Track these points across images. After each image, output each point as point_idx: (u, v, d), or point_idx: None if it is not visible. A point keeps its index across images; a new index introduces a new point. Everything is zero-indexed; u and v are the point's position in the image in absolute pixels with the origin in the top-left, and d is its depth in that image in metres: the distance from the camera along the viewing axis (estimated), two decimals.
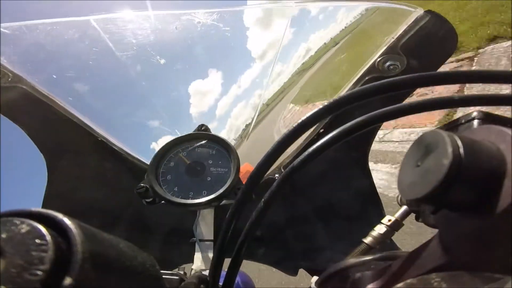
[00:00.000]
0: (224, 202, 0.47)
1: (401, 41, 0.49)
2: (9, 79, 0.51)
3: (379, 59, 0.50)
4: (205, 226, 0.47)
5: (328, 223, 0.57)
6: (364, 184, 0.55)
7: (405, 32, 0.48)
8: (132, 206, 0.58)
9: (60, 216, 0.14)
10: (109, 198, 0.59)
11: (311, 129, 0.56)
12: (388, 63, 0.49)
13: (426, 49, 0.49)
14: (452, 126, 0.22)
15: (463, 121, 0.21)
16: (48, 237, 0.12)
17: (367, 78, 0.51)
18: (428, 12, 0.46)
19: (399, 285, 0.18)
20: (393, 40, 0.49)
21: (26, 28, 0.54)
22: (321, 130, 0.53)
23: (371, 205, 0.54)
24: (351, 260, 0.26)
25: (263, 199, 0.22)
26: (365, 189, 0.55)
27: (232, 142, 0.52)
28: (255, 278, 0.90)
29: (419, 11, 0.47)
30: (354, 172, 0.56)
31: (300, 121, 0.22)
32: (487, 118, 0.20)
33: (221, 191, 0.45)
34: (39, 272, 0.11)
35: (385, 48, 0.50)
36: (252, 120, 0.66)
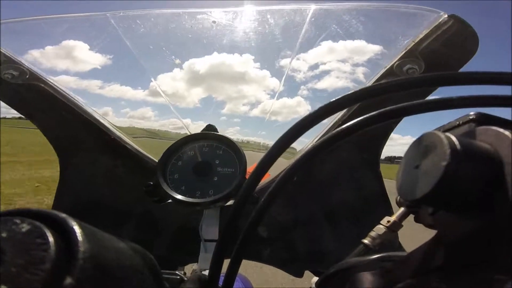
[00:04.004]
0: (230, 202, 0.47)
1: (421, 45, 0.48)
2: (27, 77, 0.52)
3: (397, 63, 0.49)
4: (211, 226, 0.47)
5: (335, 224, 0.57)
6: (374, 186, 0.55)
7: (426, 36, 0.48)
8: (142, 204, 0.58)
9: (61, 215, 0.14)
10: (119, 196, 0.59)
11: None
12: (406, 67, 0.49)
13: (446, 53, 0.48)
14: (450, 127, 0.22)
15: (461, 122, 0.21)
16: (49, 237, 0.12)
17: (383, 81, 0.51)
18: (451, 16, 0.46)
19: (399, 285, 0.18)
20: (413, 43, 0.48)
21: (45, 24, 0.54)
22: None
23: (380, 207, 0.54)
24: (351, 261, 0.26)
25: (262, 199, 0.22)
26: (375, 190, 0.55)
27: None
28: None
29: (443, 15, 0.46)
30: (364, 173, 0.56)
31: (300, 120, 0.22)
32: (485, 120, 0.20)
33: (227, 191, 0.45)
34: (39, 272, 0.11)
35: (404, 52, 0.49)
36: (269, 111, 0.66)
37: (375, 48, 0.57)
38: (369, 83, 0.54)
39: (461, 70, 0.49)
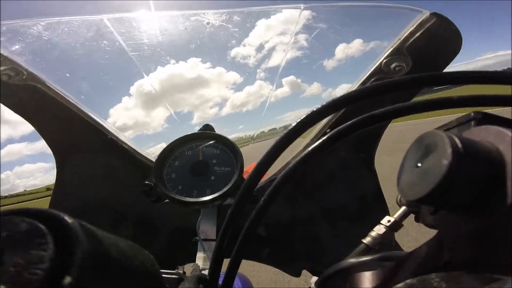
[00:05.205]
0: (227, 201, 0.47)
1: (407, 43, 0.49)
2: (24, 77, 0.51)
3: (384, 61, 0.50)
4: (208, 225, 0.47)
5: (332, 224, 0.57)
6: (370, 185, 0.56)
7: (411, 33, 0.48)
8: (139, 204, 0.58)
9: (60, 214, 0.13)
10: (117, 196, 0.60)
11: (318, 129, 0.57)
12: (394, 65, 0.49)
13: (431, 51, 0.49)
14: (451, 126, 0.22)
15: (462, 121, 0.21)
16: (48, 236, 0.12)
17: (372, 79, 0.51)
18: (434, 14, 0.47)
19: (399, 285, 0.18)
20: (399, 41, 0.49)
21: (41, 26, 0.54)
22: (328, 130, 0.53)
23: (377, 205, 0.55)
24: (351, 261, 0.26)
25: (262, 199, 0.22)
26: (370, 190, 0.56)
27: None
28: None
29: (426, 13, 0.47)
30: (361, 173, 0.57)
31: (300, 119, 0.22)
32: (485, 119, 0.20)
33: (224, 190, 0.45)
34: (38, 271, 0.11)
35: (390, 49, 0.50)
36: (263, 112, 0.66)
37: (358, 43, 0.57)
38: (358, 82, 0.54)
39: (449, 67, 0.50)
